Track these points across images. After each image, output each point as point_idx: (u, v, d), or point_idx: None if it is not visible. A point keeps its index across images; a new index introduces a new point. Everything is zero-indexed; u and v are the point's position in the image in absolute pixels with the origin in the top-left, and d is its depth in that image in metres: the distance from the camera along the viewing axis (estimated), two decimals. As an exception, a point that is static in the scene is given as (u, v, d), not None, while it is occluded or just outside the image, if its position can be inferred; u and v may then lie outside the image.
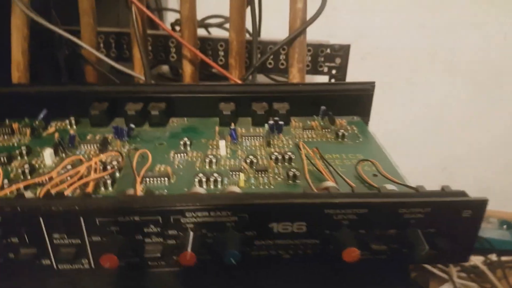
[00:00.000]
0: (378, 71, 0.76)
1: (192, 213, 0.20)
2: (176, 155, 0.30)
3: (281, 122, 0.33)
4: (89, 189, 0.24)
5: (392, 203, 0.20)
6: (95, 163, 0.26)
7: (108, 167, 0.27)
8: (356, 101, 0.36)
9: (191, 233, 0.20)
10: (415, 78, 0.78)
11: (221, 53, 0.53)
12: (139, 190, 0.24)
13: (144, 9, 0.44)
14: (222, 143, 0.31)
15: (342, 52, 0.51)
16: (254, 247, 0.21)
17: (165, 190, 0.26)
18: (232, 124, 0.33)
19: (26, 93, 0.36)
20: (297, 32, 0.41)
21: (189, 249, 0.19)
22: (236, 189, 0.23)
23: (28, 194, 0.23)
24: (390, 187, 0.23)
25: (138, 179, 0.25)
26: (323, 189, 0.23)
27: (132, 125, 0.33)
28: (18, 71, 0.45)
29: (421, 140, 0.80)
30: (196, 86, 0.38)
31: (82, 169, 0.26)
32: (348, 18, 0.71)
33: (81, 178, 0.25)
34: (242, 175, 0.27)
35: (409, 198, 0.20)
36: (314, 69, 0.52)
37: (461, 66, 0.76)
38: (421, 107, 0.79)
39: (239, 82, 0.44)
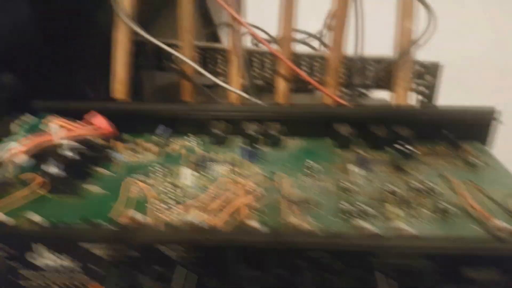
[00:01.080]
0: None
1: (390, 253, 0.19)
2: (306, 179, 0.30)
3: (410, 148, 0.32)
4: (243, 215, 0.24)
5: None
6: (246, 186, 0.26)
7: (253, 190, 0.27)
8: (476, 127, 0.35)
9: (383, 277, 0.19)
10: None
11: (304, 69, 0.53)
12: (302, 219, 0.23)
13: (247, 25, 0.44)
14: (353, 168, 0.30)
15: (433, 70, 0.50)
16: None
17: (311, 219, 0.25)
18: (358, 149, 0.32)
19: (142, 110, 0.37)
20: (406, 51, 0.41)
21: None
22: (403, 226, 0.23)
23: (191, 217, 0.23)
24: None
25: (296, 207, 0.25)
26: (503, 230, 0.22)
27: (258, 146, 0.33)
28: (119, 85, 0.46)
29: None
30: (310, 106, 0.38)
31: (234, 193, 0.26)
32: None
33: (229, 202, 0.25)
34: (390, 207, 0.26)
35: None
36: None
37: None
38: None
39: (337, 99, 0.43)
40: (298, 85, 0.51)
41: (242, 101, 0.46)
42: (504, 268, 0.19)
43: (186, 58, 0.45)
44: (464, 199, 0.27)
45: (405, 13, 0.40)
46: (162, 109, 0.36)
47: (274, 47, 0.46)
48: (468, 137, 0.35)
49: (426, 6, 0.42)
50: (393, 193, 0.28)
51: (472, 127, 0.35)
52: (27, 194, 0.27)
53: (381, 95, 0.55)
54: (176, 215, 0.25)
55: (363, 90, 0.48)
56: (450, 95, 0.52)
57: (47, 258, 0.22)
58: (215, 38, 0.68)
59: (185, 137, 0.35)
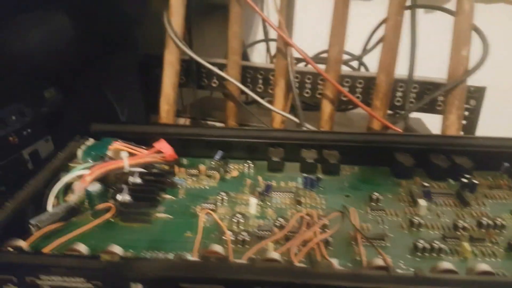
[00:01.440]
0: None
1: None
2: (372, 212, 0.30)
3: (474, 180, 0.32)
4: (322, 252, 0.24)
5: None
6: (318, 220, 0.26)
7: (326, 224, 0.27)
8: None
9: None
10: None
11: (346, 89, 0.52)
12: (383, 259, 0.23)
13: (294, 45, 0.44)
14: (422, 203, 0.30)
15: (477, 94, 0.50)
16: None
17: (390, 258, 0.25)
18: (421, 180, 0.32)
19: (199, 135, 0.37)
20: (463, 79, 0.41)
21: None
22: (486, 267, 0.22)
23: (273, 254, 0.23)
24: None
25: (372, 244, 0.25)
26: None
27: (320, 176, 0.33)
28: (167, 104, 0.47)
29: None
30: (369, 135, 0.38)
31: (308, 227, 0.26)
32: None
33: (306, 238, 0.25)
34: (466, 245, 0.26)
35: None
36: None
37: None
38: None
39: (388, 124, 0.43)
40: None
41: (286, 122, 0.47)
42: None
43: (233, 79, 0.46)
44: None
45: (461, 41, 0.40)
46: (219, 134, 0.36)
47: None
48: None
49: (482, 36, 0.41)
50: (465, 229, 0.27)
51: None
52: (99, 222, 0.28)
53: (415, 115, 0.55)
54: (255, 249, 0.25)
55: (403, 112, 0.48)
56: (492, 120, 0.52)
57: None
58: (244, 57, 0.69)
59: (243, 162, 0.35)
